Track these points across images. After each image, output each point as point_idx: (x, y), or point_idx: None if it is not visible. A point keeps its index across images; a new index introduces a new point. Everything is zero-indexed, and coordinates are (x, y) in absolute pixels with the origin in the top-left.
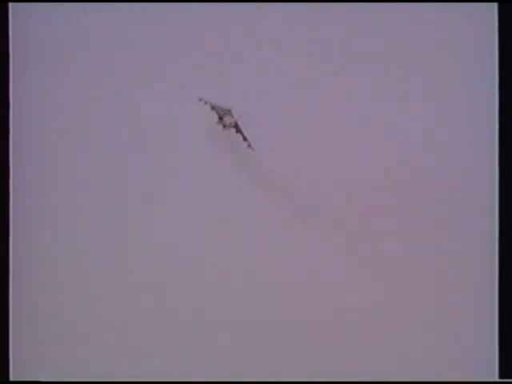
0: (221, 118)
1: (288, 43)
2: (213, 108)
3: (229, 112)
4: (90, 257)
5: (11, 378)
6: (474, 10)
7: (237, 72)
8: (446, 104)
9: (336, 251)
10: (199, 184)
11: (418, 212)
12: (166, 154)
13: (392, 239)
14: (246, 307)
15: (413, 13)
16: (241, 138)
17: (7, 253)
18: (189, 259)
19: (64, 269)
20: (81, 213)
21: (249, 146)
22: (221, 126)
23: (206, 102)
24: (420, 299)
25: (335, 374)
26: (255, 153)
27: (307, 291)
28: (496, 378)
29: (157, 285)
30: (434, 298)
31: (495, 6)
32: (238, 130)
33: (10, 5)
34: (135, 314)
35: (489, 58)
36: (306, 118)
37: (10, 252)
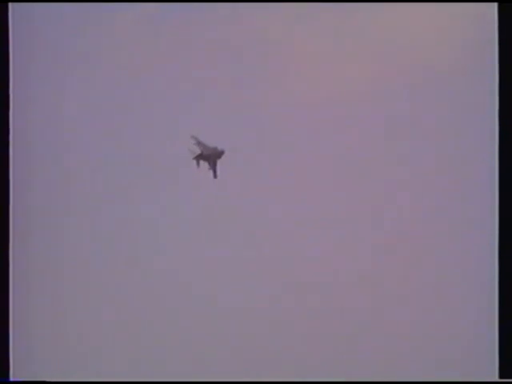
0: (201, 153)
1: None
2: (199, 143)
3: (212, 150)
4: (89, 258)
5: (11, 378)
6: (473, 10)
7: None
8: (445, 103)
9: None
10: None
11: (418, 214)
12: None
13: (392, 241)
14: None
15: (413, 13)
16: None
17: (7, 253)
18: (187, 261)
19: (64, 270)
20: (81, 213)
21: (215, 175)
22: (195, 155)
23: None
24: (420, 300)
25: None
26: None
27: None
28: (496, 378)
29: (156, 286)
30: (434, 299)
31: (495, 6)
32: (209, 162)
33: (10, 5)
34: (135, 314)
35: (489, 58)
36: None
37: (9, 252)
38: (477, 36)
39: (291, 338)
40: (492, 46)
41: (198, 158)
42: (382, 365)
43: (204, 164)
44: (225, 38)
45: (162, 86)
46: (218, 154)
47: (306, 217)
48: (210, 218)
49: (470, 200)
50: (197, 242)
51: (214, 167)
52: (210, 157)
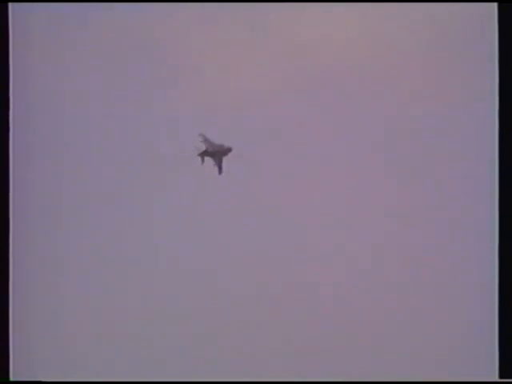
0: (206, 150)
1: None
2: (205, 140)
3: (218, 147)
4: (90, 257)
5: (11, 378)
6: (473, 10)
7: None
8: (446, 103)
9: None
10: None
11: (418, 214)
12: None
13: (392, 240)
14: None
15: (413, 13)
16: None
17: (7, 253)
18: (188, 259)
19: (64, 270)
20: (81, 213)
21: (220, 171)
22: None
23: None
24: (420, 300)
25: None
26: None
27: None
28: (496, 378)
29: (157, 285)
30: (434, 299)
31: (495, 6)
32: (214, 159)
33: (10, 5)
34: (135, 314)
35: (489, 58)
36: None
37: (9, 252)
38: (477, 36)
39: (290, 338)
40: (492, 45)
41: (203, 154)
42: (381, 365)
43: (210, 161)
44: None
45: (162, 85)
46: (225, 151)
47: (308, 216)
48: (215, 216)
49: (470, 200)
50: (199, 242)
51: (219, 164)
52: (216, 154)
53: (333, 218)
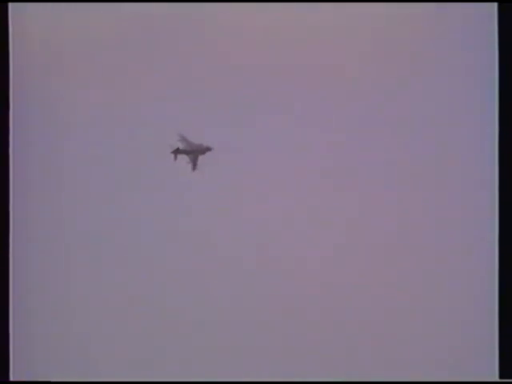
0: (178, 148)
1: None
2: (183, 139)
3: (196, 146)
4: (90, 257)
5: (11, 378)
6: (473, 10)
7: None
8: (446, 104)
9: None
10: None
11: (418, 212)
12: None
13: (391, 241)
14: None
15: (413, 13)
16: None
17: (7, 253)
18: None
19: (64, 269)
20: (80, 213)
21: (193, 168)
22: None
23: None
24: (420, 300)
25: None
26: None
27: None
28: (496, 378)
29: (155, 285)
30: (434, 299)
31: (495, 6)
32: (189, 156)
33: (10, 5)
34: (136, 313)
35: (489, 58)
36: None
37: (10, 252)
38: (477, 36)
39: (288, 339)
40: (492, 45)
41: (176, 152)
42: (381, 365)
43: (184, 158)
44: None
45: (160, 86)
46: (202, 150)
47: (305, 215)
48: (207, 218)
49: (470, 200)
50: (199, 242)
51: (194, 161)
52: (191, 152)
53: (331, 218)
